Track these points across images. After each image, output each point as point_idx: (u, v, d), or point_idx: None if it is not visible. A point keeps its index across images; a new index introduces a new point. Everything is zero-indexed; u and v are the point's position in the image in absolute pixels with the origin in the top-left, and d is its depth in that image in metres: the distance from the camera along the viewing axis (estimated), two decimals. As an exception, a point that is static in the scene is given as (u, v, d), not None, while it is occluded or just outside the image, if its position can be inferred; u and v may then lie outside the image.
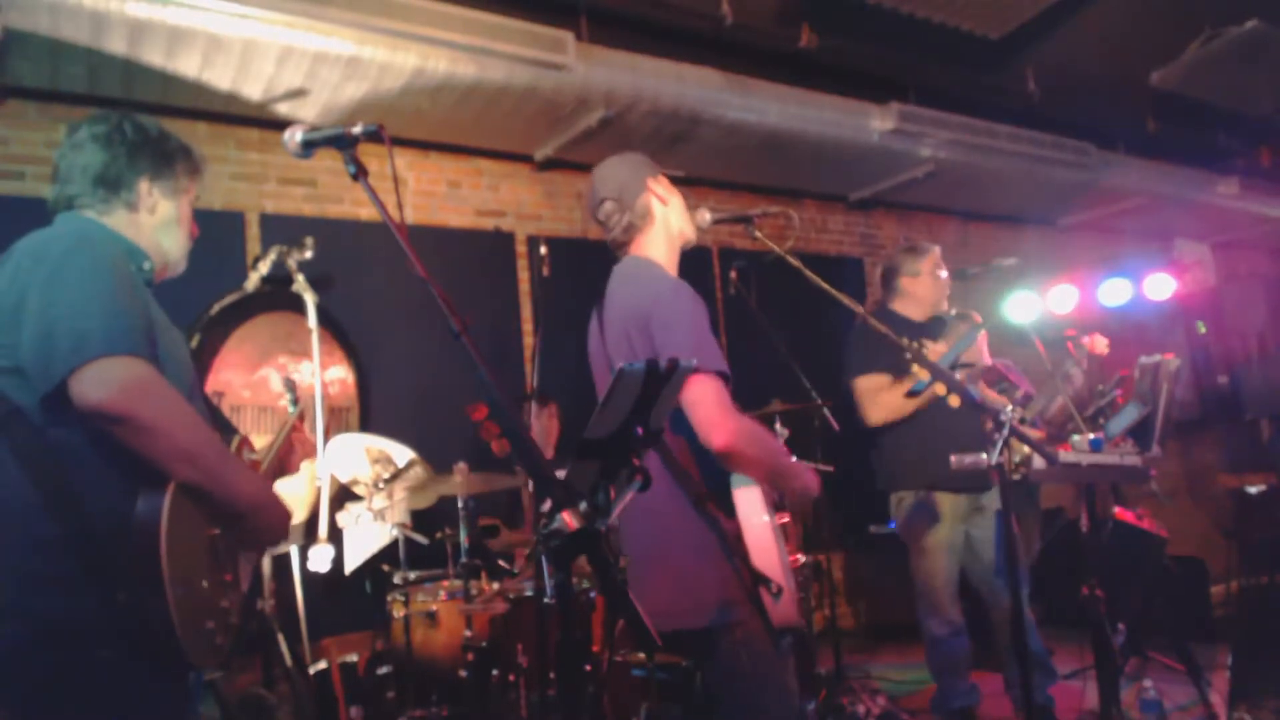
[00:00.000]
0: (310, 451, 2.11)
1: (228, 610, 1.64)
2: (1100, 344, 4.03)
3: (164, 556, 1.44)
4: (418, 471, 3.68)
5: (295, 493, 4.01)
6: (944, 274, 3.87)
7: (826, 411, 4.20)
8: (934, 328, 3.82)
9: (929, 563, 3.64)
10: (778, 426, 4.15)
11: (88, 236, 1.66)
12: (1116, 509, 4.64)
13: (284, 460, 2.03)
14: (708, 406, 1.99)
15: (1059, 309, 5.73)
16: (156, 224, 1.80)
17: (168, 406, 1.51)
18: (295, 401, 2.16)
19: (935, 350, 3.71)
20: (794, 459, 2.24)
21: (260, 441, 2.04)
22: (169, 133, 1.86)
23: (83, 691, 1.47)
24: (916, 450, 3.62)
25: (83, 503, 1.49)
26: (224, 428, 1.85)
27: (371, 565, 3.88)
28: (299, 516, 3.96)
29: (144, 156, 1.78)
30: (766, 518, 2.04)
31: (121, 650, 1.48)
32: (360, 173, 1.68)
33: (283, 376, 2.27)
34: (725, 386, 2.05)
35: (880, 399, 3.67)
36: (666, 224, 2.31)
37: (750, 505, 2.03)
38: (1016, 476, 2.62)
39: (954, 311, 4.04)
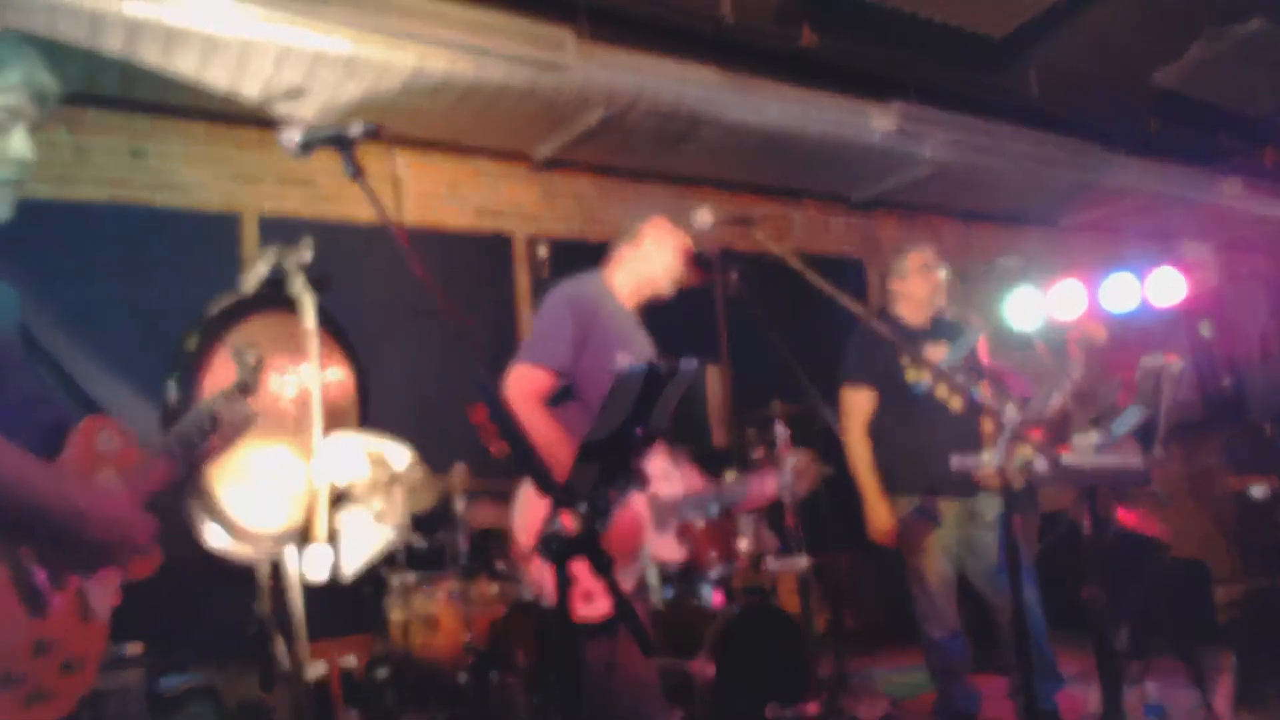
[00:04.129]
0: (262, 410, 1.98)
1: (56, 643, 1.40)
2: (1098, 330, 4.01)
3: None
4: (417, 473, 3.66)
5: (294, 495, 3.99)
6: (938, 271, 3.83)
7: (827, 413, 4.17)
8: (935, 331, 3.80)
9: (924, 566, 3.63)
10: (778, 428, 4.13)
11: None
12: (1119, 511, 4.62)
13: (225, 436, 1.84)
14: (507, 386, 2.41)
15: (1061, 310, 5.71)
16: None
17: None
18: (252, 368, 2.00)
19: (934, 354, 3.70)
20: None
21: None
22: None
23: None
24: (911, 455, 3.61)
25: None
26: (85, 407, 1.64)
27: (370, 568, 3.86)
28: (292, 520, 3.94)
29: None
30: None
31: None
32: (359, 173, 1.66)
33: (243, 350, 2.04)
34: (536, 375, 2.38)
35: (857, 442, 3.72)
36: (642, 257, 2.67)
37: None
38: (1017, 485, 2.60)
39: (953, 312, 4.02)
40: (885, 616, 5.78)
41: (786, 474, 2.78)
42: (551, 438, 2.34)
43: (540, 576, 2.30)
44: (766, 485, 2.78)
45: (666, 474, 2.61)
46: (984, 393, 3.22)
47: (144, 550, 1.53)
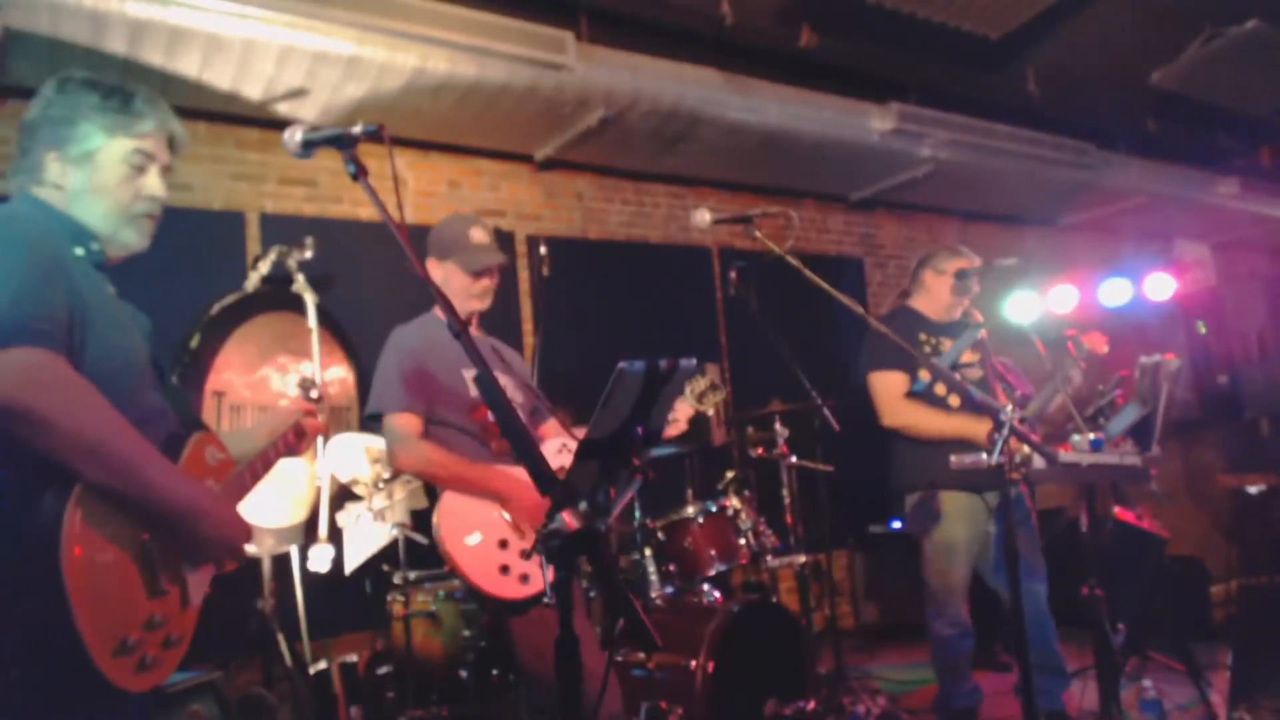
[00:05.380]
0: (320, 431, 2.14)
1: (164, 620, 1.53)
2: (1100, 342, 4.03)
3: (64, 565, 1.34)
4: (418, 471, 3.67)
5: (296, 493, 4.02)
6: (973, 285, 3.84)
7: (826, 411, 4.20)
8: (955, 329, 3.81)
9: (940, 562, 3.62)
10: (777, 426, 4.15)
11: (12, 216, 1.59)
12: (1117, 509, 4.64)
13: (290, 448, 2.02)
14: (386, 441, 2.62)
15: (1059, 309, 5.73)
16: (67, 198, 1.66)
17: (66, 399, 1.40)
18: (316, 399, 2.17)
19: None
20: (490, 470, 2.57)
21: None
22: (73, 96, 1.72)
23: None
24: (928, 449, 3.61)
25: None
26: (191, 422, 1.79)
27: (371, 565, 3.88)
28: (294, 517, 3.96)
29: (43, 128, 1.70)
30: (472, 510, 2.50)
31: (33, 669, 1.38)
32: (360, 173, 1.68)
33: (300, 377, 2.27)
34: (407, 419, 2.58)
35: (907, 410, 3.64)
36: (446, 289, 2.77)
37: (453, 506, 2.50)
38: (1015, 477, 2.62)
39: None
40: (883, 613, 5.80)
41: (686, 395, 2.94)
42: (452, 461, 2.55)
43: (470, 569, 2.40)
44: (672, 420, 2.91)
45: (564, 445, 2.77)
46: (980, 390, 3.24)
47: (239, 551, 1.67)
